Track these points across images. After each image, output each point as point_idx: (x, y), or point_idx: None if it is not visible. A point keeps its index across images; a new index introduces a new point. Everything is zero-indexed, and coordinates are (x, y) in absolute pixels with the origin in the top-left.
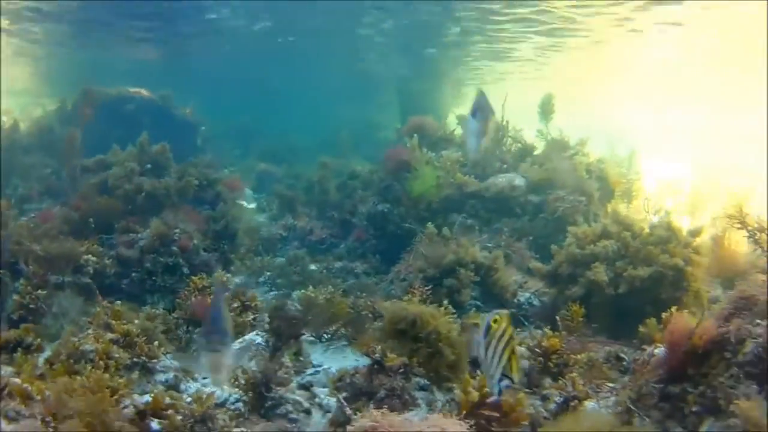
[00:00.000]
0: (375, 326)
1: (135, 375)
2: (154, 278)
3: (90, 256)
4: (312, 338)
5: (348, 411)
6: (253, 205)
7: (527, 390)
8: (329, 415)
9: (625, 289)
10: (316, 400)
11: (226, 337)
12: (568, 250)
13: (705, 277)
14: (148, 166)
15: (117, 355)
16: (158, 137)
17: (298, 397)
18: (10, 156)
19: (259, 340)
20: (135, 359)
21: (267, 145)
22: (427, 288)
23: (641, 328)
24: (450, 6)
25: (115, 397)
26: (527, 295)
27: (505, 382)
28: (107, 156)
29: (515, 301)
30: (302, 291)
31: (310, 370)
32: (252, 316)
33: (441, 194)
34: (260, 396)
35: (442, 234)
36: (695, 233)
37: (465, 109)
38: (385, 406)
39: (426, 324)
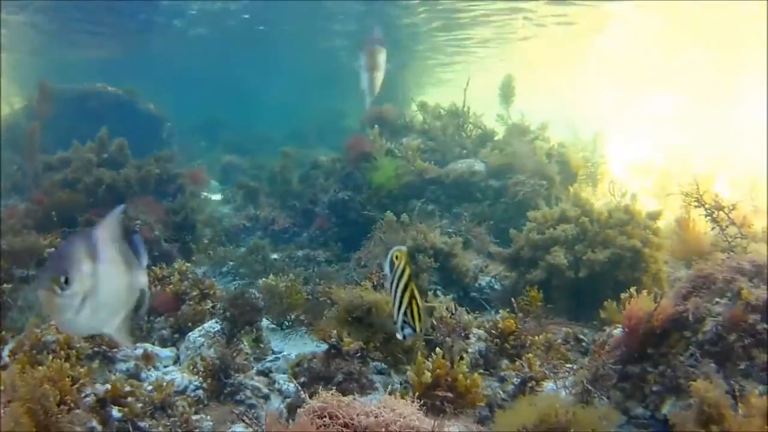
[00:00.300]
0: (330, 313)
1: (96, 364)
2: None
3: (53, 249)
4: (273, 325)
5: (302, 395)
6: (218, 197)
7: (484, 371)
8: (288, 401)
9: (585, 273)
10: (276, 385)
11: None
12: (528, 235)
13: (666, 259)
14: (105, 155)
15: (78, 345)
16: (123, 132)
17: (257, 383)
18: None
19: (217, 327)
20: (96, 349)
21: (233, 137)
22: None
23: (601, 312)
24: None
25: (77, 386)
26: (488, 279)
27: (408, 330)
28: (68, 152)
29: (476, 285)
30: (263, 279)
31: (270, 357)
32: (211, 305)
33: (401, 181)
34: (219, 382)
35: (401, 220)
36: (654, 216)
37: (427, 97)
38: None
39: (381, 311)
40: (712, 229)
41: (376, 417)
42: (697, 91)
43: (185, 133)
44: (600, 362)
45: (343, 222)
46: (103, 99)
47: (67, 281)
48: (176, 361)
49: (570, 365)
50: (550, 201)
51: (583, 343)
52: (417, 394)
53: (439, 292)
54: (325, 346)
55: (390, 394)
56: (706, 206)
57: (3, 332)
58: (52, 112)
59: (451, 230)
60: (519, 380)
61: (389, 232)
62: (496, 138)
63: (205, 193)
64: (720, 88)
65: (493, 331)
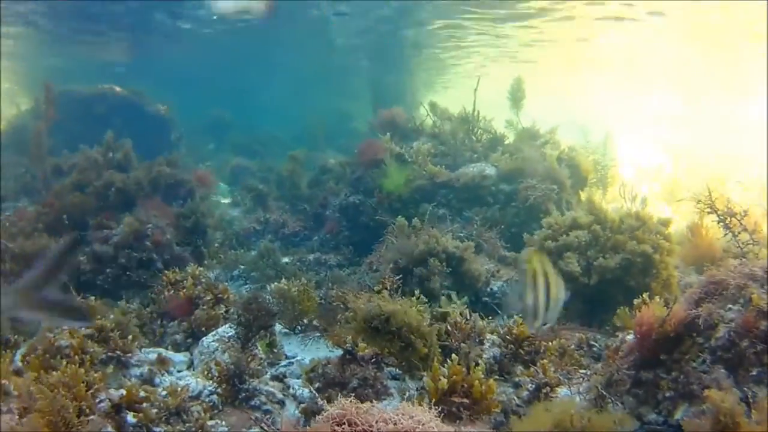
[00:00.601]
0: (346, 316)
1: (110, 369)
2: (128, 273)
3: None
4: (287, 330)
5: (319, 401)
6: (227, 200)
7: (499, 377)
8: (302, 406)
9: (596, 279)
10: (290, 391)
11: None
12: (542, 242)
13: (677, 265)
14: (111, 157)
15: (92, 350)
16: (131, 134)
17: (271, 389)
18: None
19: (231, 332)
20: (110, 354)
21: (242, 138)
22: (398, 278)
23: (615, 318)
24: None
25: (91, 391)
26: (500, 283)
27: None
28: (76, 155)
29: (488, 289)
30: (275, 283)
31: (284, 362)
32: (224, 309)
33: (413, 185)
34: (234, 387)
35: (413, 225)
36: (665, 222)
37: (436, 97)
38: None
39: (399, 321)
40: (725, 235)
41: (395, 424)
42: (707, 92)
43: (192, 134)
44: (614, 368)
45: (353, 226)
46: (110, 101)
47: None
48: (190, 366)
49: (584, 371)
50: (561, 205)
51: (595, 348)
52: (433, 400)
53: (452, 297)
54: (339, 351)
55: (406, 400)
56: (719, 213)
57: (15, 336)
58: (59, 114)
59: (462, 234)
60: (534, 386)
61: (401, 236)
62: (506, 142)
63: (215, 197)
64: (729, 90)
65: (507, 337)
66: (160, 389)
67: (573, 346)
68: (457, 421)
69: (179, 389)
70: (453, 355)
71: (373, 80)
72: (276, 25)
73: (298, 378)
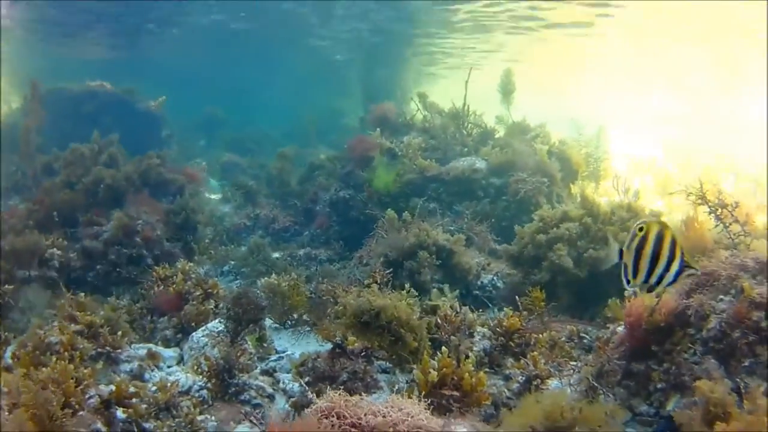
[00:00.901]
0: (336, 311)
1: (100, 365)
2: (118, 270)
3: (55, 249)
4: (277, 325)
5: (309, 395)
6: (218, 196)
7: (489, 369)
8: (292, 400)
9: (586, 271)
10: (280, 385)
11: None
12: (533, 237)
13: None
14: (100, 154)
15: (82, 346)
16: (121, 131)
17: (261, 383)
18: None
19: (221, 327)
20: (99, 350)
21: (233, 135)
22: (388, 271)
23: (606, 310)
24: None
25: (80, 387)
26: (490, 277)
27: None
28: (66, 153)
29: (479, 282)
30: (265, 278)
31: (273, 357)
32: (214, 304)
33: (403, 179)
34: (223, 382)
35: (403, 219)
36: (657, 214)
37: (427, 88)
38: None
39: (389, 316)
40: (716, 226)
41: (383, 416)
42: (700, 88)
43: (183, 131)
44: (605, 359)
45: (344, 220)
46: (101, 98)
47: None
48: (180, 361)
49: (575, 363)
50: (552, 198)
51: (585, 340)
52: (423, 393)
53: (444, 290)
54: (328, 345)
55: (396, 393)
56: (710, 204)
57: (5, 333)
58: (49, 112)
59: (452, 228)
60: (524, 378)
61: (391, 230)
62: (496, 136)
63: (205, 193)
64: (723, 85)
65: (497, 329)
66: (149, 385)
67: (564, 338)
68: (447, 414)
69: (169, 384)
70: (443, 348)
71: (364, 76)
72: (266, 24)
73: (288, 372)
